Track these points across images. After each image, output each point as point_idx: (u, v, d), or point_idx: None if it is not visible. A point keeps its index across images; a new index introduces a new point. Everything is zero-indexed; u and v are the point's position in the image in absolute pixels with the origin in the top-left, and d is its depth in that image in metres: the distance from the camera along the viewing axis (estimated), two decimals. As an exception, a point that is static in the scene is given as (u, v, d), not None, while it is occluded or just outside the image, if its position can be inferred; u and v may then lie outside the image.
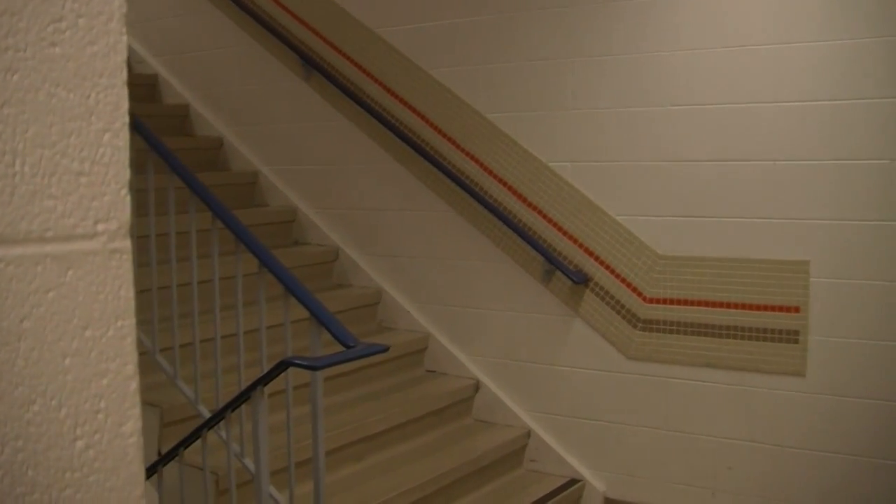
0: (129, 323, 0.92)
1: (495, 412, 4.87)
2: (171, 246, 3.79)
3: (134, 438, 0.93)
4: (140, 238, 3.88)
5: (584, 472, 4.63)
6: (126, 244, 0.91)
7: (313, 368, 3.12)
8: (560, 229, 4.55)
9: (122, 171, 0.90)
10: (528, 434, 4.77)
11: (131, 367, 0.93)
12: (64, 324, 0.86)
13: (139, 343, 3.05)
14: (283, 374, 3.42)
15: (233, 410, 3.32)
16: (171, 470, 3.53)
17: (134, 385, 0.94)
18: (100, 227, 0.88)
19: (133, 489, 0.92)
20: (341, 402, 4.53)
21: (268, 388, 3.49)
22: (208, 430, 3.37)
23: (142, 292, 3.87)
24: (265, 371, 3.19)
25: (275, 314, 3.63)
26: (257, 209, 5.58)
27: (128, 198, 0.91)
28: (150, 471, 3.51)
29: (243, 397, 3.24)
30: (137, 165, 3.69)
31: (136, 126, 3.77)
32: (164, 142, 3.84)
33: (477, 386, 4.93)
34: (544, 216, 4.59)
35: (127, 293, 0.91)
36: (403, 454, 4.46)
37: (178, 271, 3.81)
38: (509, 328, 4.80)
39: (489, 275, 4.83)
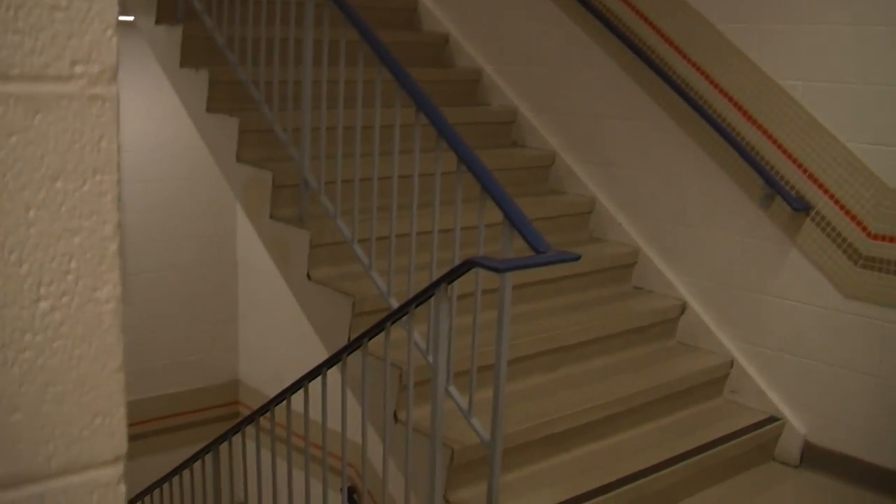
0: (109, 178, 0.83)
1: (699, 337, 4.68)
2: (376, 138, 3.80)
3: (111, 305, 0.85)
4: (345, 129, 3.92)
5: (786, 410, 4.39)
6: (111, 91, 0.82)
7: (498, 270, 3.05)
8: (784, 151, 4.25)
9: (107, 9, 0.81)
10: (731, 364, 4.57)
11: (110, 228, 0.84)
12: (29, 172, 0.78)
13: (338, 232, 3.12)
14: (473, 277, 3.41)
15: (417, 306, 3.31)
16: (355, 360, 3.58)
17: (113, 247, 0.85)
18: (77, 70, 0.80)
19: (108, 360, 0.85)
20: (539, 310, 4.47)
21: (459, 290, 3.49)
22: (392, 323, 3.39)
23: (345, 182, 3.94)
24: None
25: (471, 216, 3.59)
26: (477, 108, 5.52)
27: (114, 39, 0.82)
28: (336, 358, 3.58)
29: (428, 293, 3.23)
30: (348, 56, 3.74)
31: (349, 15, 3.77)
32: (386, 36, 3.83)
33: (683, 308, 4.75)
34: (768, 136, 4.30)
35: (109, 145, 0.83)
36: (598, 369, 4.38)
37: (379, 164, 3.81)
38: (721, 251, 4.57)
39: (705, 193, 4.60)
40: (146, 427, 7.57)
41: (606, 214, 5.06)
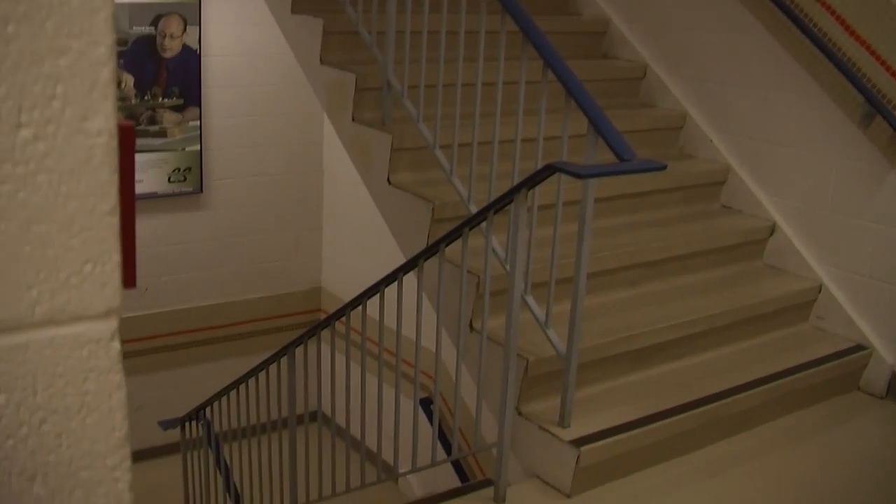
0: None
1: (787, 259, 4.54)
2: (461, 44, 3.71)
3: (103, 139, 0.78)
4: (430, 33, 3.84)
5: (875, 340, 4.25)
6: None
7: (580, 176, 2.96)
8: (888, 69, 4.05)
9: None
10: (820, 288, 4.43)
11: (104, 51, 0.76)
12: None
13: (420, 136, 3.07)
14: (555, 188, 3.33)
15: (496, 212, 3.24)
16: (432, 266, 3.54)
17: (106, 73, 0.77)
18: None
19: (99, 201, 0.78)
20: (623, 225, 4.38)
21: (541, 201, 3.41)
22: (471, 228, 3.33)
23: (428, 87, 3.86)
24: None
25: (555, 126, 3.50)
26: (568, 17, 5.37)
27: None
28: (412, 263, 3.54)
29: (508, 199, 3.16)
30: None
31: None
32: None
33: (772, 229, 4.60)
34: (871, 52, 4.09)
35: None
36: (680, 287, 4.28)
37: (463, 70, 3.72)
38: (816, 172, 4.40)
39: (801, 110, 4.41)
40: (229, 330, 7.69)
41: (697, 130, 4.90)
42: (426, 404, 5.59)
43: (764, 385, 3.90)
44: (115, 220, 0.79)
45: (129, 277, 0.84)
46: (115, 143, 0.78)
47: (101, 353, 0.81)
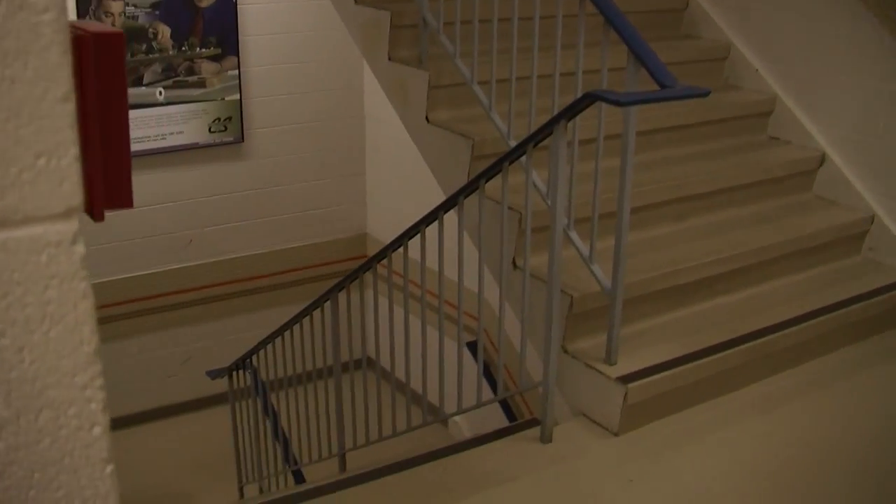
0: None
1: (838, 190, 4.43)
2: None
3: (50, 16, 0.69)
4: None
5: (930, 271, 4.15)
6: None
7: (620, 104, 2.88)
8: (942, -13, 3.91)
9: None
10: (872, 219, 4.32)
11: None
12: None
13: (457, 73, 2.99)
14: (596, 122, 3.25)
15: (536, 145, 3.17)
16: (472, 203, 3.48)
17: None
18: None
19: (51, 86, 0.70)
20: (668, 158, 4.29)
21: (582, 135, 3.34)
22: (510, 163, 3.26)
23: (464, 23, 3.79)
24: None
25: (594, 59, 3.42)
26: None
27: None
28: (452, 201, 3.48)
29: (547, 130, 3.08)
30: None
31: None
32: None
33: (822, 159, 4.48)
34: (924, -30, 3.95)
35: None
36: (728, 220, 4.19)
37: (499, 4, 3.64)
38: (866, 100, 4.26)
39: (851, 36, 4.27)
40: (275, 279, 7.70)
41: (742, 60, 4.77)
42: (472, 346, 5.56)
43: (814, 319, 3.82)
44: (70, 108, 0.71)
45: (125, 196, 0.79)
46: (65, 20, 0.70)
47: (63, 257, 0.75)
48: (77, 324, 0.74)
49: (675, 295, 3.75)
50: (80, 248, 0.75)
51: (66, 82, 0.71)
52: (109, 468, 0.75)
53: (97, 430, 0.75)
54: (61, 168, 0.72)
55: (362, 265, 4.11)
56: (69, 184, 0.73)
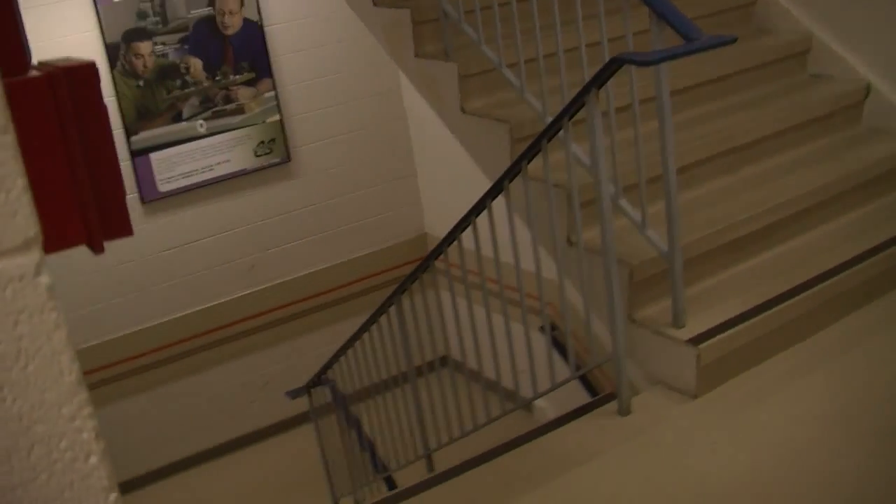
0: None
1: (890, 119, 4.31)
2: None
3: None
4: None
5: None
6: None
7: (648, 63, 2.84)
8: None
9: None
10: (928, 142, 4.21)
11: None
12: None
13: (485, 59, 2.98)
14: (628, 89, 3.21)
15: (570, 118, 3.14)
16: (518, 186, 3.46)
17: None
18: None
19: None
20: (710, 112, 4.23)
21: (618, 102, 3.29)
22: (548, 140, 3.23)
23: (484, 10, 3.77)
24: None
25: (617, 26, 3.38)
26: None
27: None
28: (498, 187, 3.46)
29: (579, 102, 3.05)
30: None
31: None
32: None
33: (867, 89, 4.37)
34: None
35: None
36: (780, 165, 4.11)
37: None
38: (906, 20, 4.16)
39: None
40: (341, 292, 7.73)
41: (773, 3, 4.68)
42: (542, 329, 5.53)
43: (881, 252, 3.73)
44: (9, 139, 0.70)
45: (123, 224, 0.79)
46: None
47: (28, 290, 0.73)
48: (54, 354, 0.73)
49: (734, 249, 3.69)
50: (44, 279, 0.73)
51: (3, 115, 0.69)
52: (113, 496, 0.74)
53: (93, 459, 0.74)
54: (11, 201, 0.71)
55: (419, 265, 4.11)
56: (22, 216, 0.71)
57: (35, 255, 0.73)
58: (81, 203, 0.75)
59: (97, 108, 0.77)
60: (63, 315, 0.73)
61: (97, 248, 0.78)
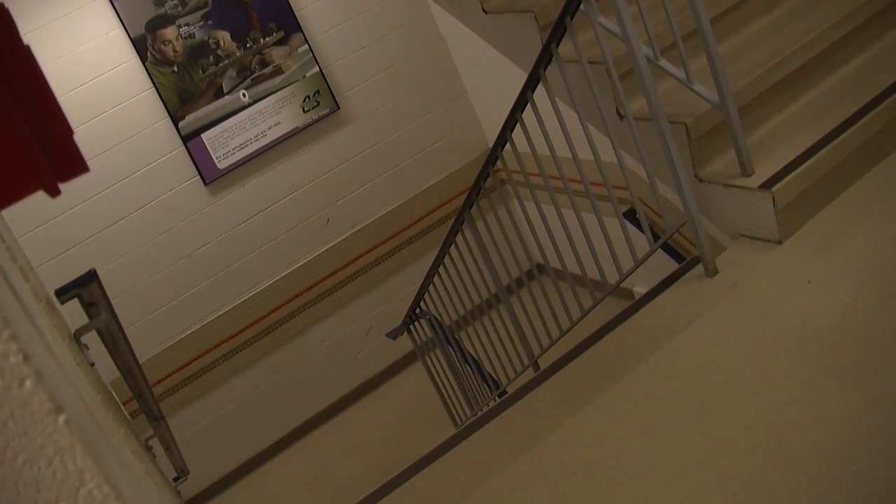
0: None
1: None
2: None
3: None
4: None
5: None
6: None
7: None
8: None
9: None
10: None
11: None
12: None
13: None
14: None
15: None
16: (555, 72, 3.38)
17: None
18: None
19: None
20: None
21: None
22: (571, 17, 3.13)
23: None
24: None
25: None
26: None
27: None
28: (534, 77, 3.38)
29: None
30: None
31: None
32: None
33: None
34: None
35: None
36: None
37: None
38: None
39: None
40: (423, 223, 7.71)
41: None
42: (627, 215, 5.44)
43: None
44: None
45: (76, 162, 0.76)
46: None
47: None
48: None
49: (787, 86, 3.56)
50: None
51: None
52: (62, 418, 0.71)
53: (28, 383, 0.71)
54: None
55: (478, 175, 4.06)
56: None
57: None
58: (24, 148, 0.73)
59: (18, 52, 0.74)
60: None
61: (52, 191, 0.75)
